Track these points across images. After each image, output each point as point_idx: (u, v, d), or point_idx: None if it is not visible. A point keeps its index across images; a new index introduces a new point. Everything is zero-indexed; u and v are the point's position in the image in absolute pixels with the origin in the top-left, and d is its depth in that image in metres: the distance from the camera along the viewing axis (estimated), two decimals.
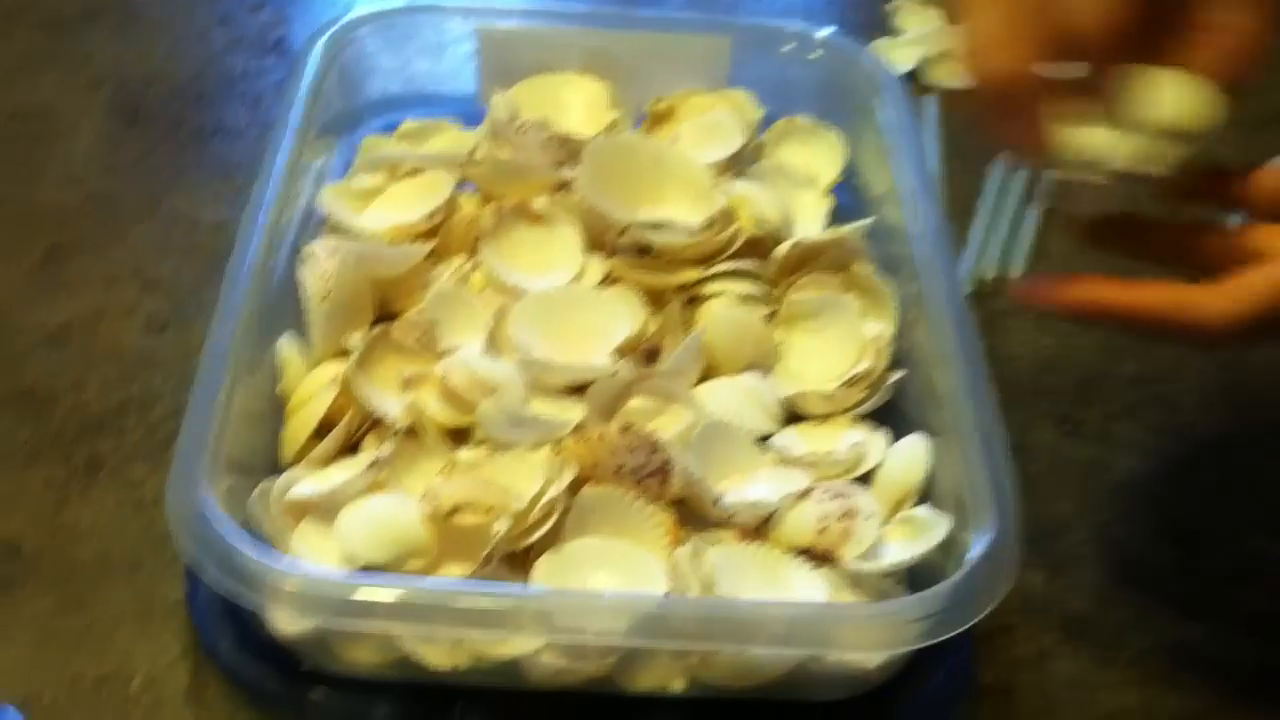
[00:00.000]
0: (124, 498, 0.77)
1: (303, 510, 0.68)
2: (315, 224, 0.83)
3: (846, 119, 0.95)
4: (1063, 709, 0.73)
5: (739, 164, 0.90)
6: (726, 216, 0.83)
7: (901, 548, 0.70)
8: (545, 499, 0.68)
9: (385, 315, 0.80)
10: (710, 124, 0.91)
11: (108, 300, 0.89)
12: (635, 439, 0.69)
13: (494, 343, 0.77)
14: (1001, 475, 0.67)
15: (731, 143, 0.90)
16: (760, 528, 0.72)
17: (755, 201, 0.85)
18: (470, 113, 0.94)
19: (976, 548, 0.64)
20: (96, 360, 0.85)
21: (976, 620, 0.62)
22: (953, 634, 0.61)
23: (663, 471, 0.70)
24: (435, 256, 0.83)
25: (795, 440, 0.77)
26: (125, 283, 0.90)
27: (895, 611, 0.62)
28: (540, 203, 0.84)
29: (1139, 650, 0.75)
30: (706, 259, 0.83)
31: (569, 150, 0.88)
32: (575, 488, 0.69)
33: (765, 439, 0.77)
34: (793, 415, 0.79)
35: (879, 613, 0.64)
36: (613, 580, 0.67)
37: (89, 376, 0.84)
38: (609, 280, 0.82)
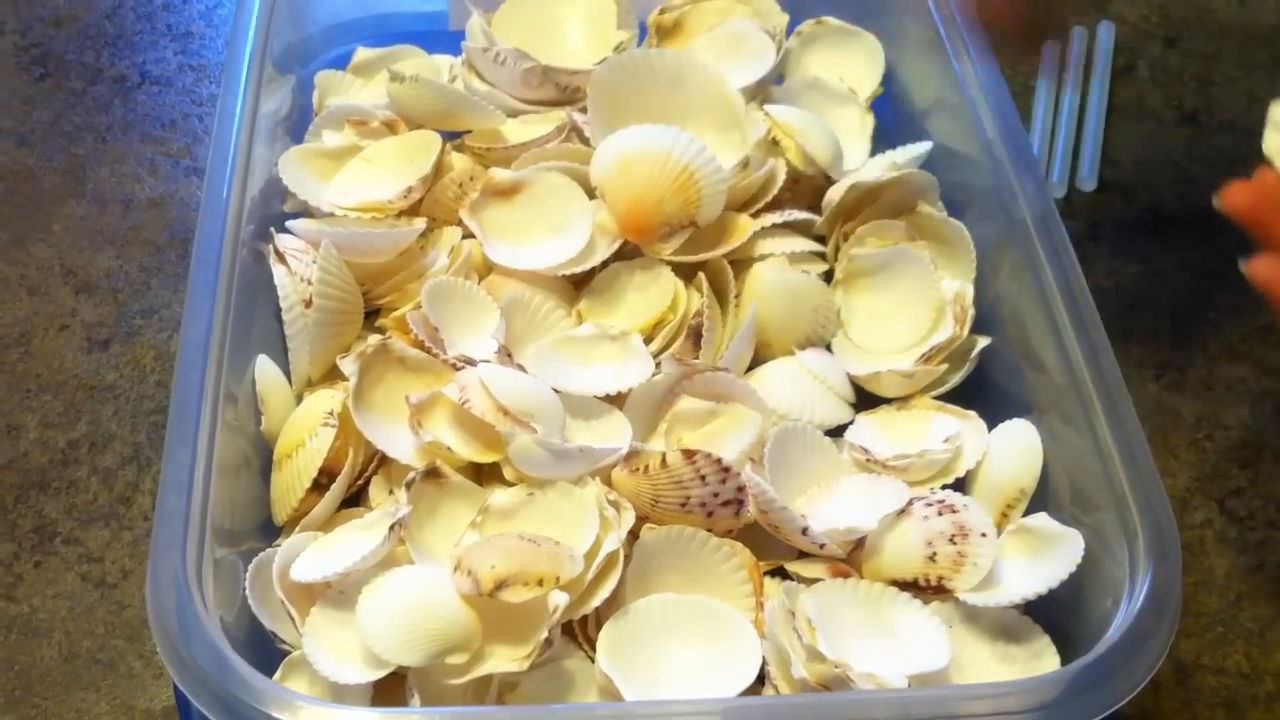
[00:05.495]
0: (86, 574, 0.63)
1: (310, 593, 0.56)
2: (279, 194, 0.69)
3: (879, 14, 0.82)
4: None
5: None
6: (763, 151, 0.70)
7: (1024, 570, 0.60)
8: (603, 552, 0.56)
9: (368, 310, 0.67)
10: (731, 37, 0.79)
11: (36, 311, 0.74)
12: (703, 463, 0.59)
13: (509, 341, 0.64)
14: (1144, 466, 0.56)
15: (761, 60, 0.77)
16: (852, 553, 0.60)
17: (803, 133, 0.72)
18: (442, 36, 0.80)
19: (1130, 592, 0.53)
20: (31, 392, 0.70)
21: (1137, 692, 0.50)
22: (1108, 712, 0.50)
23: (737, 501, 0.59)
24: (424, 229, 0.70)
25: (875, 434, 0.66)
26: (54, 286, 0.75)
27: (1036, 690, 0.51)
28: (527, 159, 0.70)
29: None
30: (743, 207, 0.70)
31: (554, 84, 0.74)
32: (633, 529, 0.59)
33: (837, 430, 0.66)
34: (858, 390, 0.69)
35: (1015, 691, 0.52)
36: (693, 649, 0.57)
37: (24, 416, 0.69)
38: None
